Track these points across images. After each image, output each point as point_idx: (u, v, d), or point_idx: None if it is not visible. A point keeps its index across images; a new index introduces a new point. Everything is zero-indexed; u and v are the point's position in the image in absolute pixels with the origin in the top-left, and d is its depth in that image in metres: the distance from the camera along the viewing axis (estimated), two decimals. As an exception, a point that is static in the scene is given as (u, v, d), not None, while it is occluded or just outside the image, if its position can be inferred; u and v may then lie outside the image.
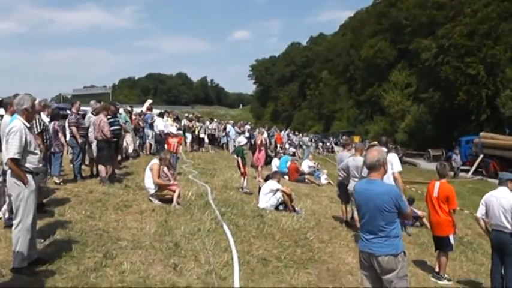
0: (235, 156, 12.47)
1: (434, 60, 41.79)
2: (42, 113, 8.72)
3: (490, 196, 6.59)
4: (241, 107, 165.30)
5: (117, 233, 6.58)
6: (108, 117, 10.18)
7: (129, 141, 14.56)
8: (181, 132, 17.02)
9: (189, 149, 20.81)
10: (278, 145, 25.97)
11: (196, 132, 21.27)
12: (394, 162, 7.53)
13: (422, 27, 49.41)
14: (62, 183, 9.28)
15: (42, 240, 5.71)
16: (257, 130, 19.38)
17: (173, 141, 13.06)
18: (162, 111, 17.73)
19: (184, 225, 7.33)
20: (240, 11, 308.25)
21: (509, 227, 6.20)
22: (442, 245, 7.00)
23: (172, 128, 15.56)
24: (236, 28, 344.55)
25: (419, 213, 10.31)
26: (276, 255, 6.56)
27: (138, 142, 16.54)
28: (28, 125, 5.06)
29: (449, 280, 7.00)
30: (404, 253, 4.16)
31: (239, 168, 11.97)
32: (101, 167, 9.80)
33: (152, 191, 8.82)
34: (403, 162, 12.89)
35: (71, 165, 10.29)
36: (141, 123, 16.88)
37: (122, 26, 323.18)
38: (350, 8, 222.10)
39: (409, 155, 39.58)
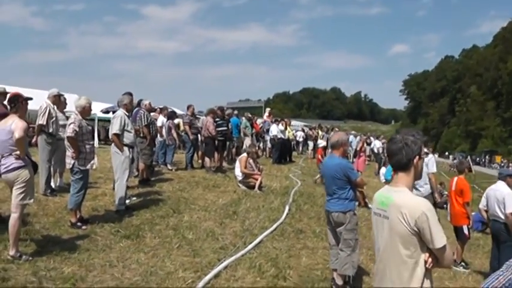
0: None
1: None
2: (161, 115, 11.44)
3: (489, 190, 7.19)
4: (393, 123, 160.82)
5: (195, 201, 8.64)
6: (217, 119, 12.47)
7: (247, 144, 16.90)
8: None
9: (310, 156, 22.55)
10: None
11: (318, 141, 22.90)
12: (429, 163, 8.24)
13: None
14: (173, 170, 11.75)
15: (135, 198, 8.01)
16: (358, 137, 20.20)
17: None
18: (279, 119, 19.80)
19: (252, 203, 9.06)
20: (401, 24, 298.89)
21: (502, 216, 6.70)
22: (457, 234, 7.61)
23: (285, 134, 17.61)
24: (396, 42, 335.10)
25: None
26: (313, 229, 7.85)
27: (262, 146, 19.22)
28: (127, 114, 7.49)
29: (465, 267, 7.53)
30: (354, 213, 5.32)
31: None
32: (206, 159, 12.13)
33: (240, 178, 10.78)
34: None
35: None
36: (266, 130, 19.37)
37: (282, 43, 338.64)
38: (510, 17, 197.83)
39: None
